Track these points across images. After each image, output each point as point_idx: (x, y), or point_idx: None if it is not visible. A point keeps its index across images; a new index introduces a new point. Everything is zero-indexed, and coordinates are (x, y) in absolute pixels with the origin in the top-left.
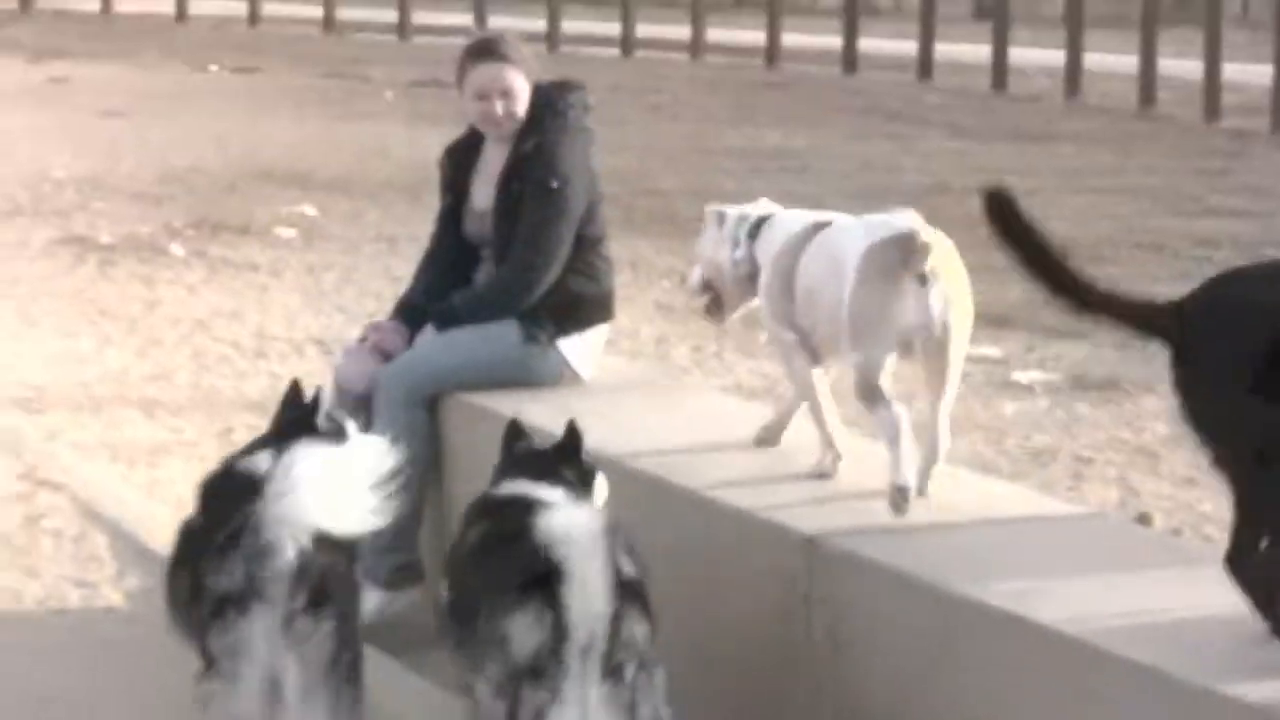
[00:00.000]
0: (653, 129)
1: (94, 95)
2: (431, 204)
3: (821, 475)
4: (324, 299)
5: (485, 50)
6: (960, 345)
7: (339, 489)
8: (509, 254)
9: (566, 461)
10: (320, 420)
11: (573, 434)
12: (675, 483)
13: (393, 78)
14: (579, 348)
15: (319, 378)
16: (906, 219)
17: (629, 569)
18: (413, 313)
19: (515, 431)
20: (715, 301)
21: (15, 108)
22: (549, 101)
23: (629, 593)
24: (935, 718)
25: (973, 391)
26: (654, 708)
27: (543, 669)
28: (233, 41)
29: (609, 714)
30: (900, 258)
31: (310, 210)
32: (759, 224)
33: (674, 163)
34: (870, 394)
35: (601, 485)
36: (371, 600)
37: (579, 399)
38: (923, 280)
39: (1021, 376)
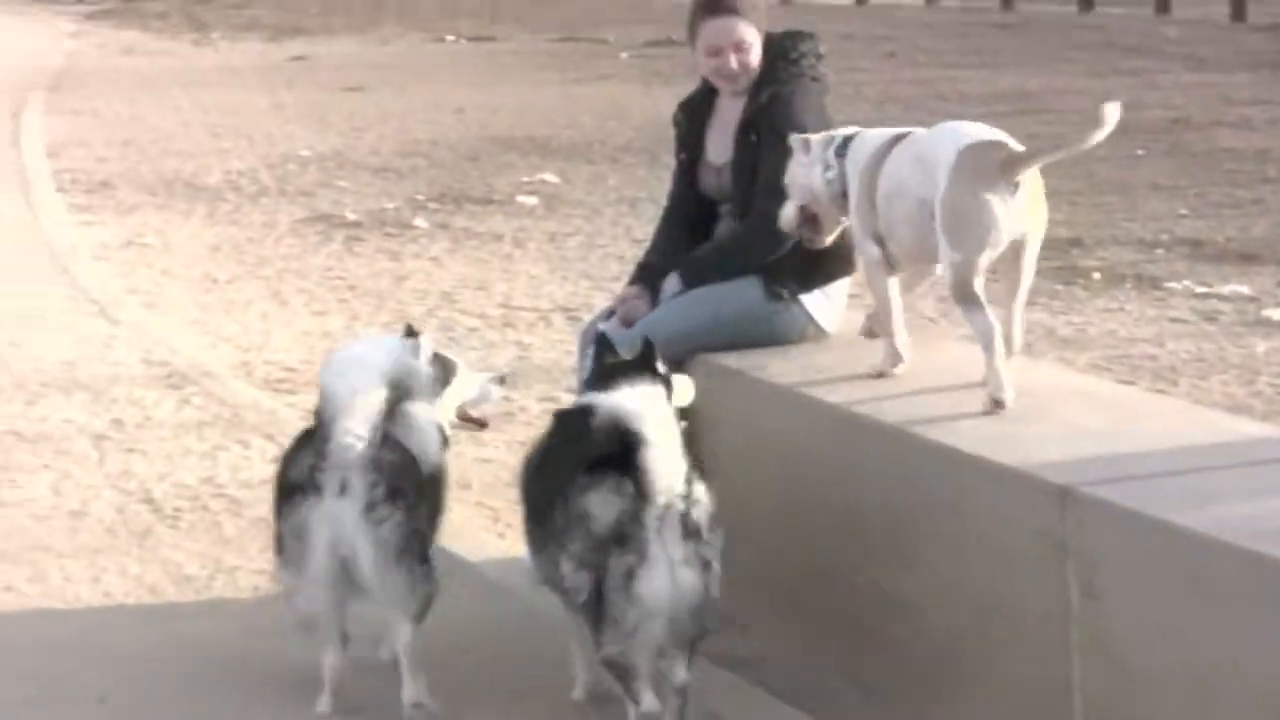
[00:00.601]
0: (888, 76)
1: (333, 72)
2: (670, 165)
3: (880, 375)
4: (568, 266)
5: (716, 5)
6: (1035, 251)
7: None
8: (749, 207)
9: (642, 372)
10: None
11: (647, 346)
12: (922, 436)
13: (627, 39)
14: (822, 302)
15: (568, 347)
16: (989, 128)
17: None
18: (653, 274)
19: (604, 345)
20: (812, 225)
21: (258, 88)
22: (782, 52)
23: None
24: (1189, 668)
25: (1223, 331)
26: (720, 565)
27: (626, 535)
28: (468, 9)
29: (691, 570)
30: (994, 162)
31: (551, 177)
32: (845, 143)
33: (911, 110)
34: (966, 297)
35: (684, 389)
36: None
37: (823, 353)
38: (1015, 186)
39: (1273, 314)
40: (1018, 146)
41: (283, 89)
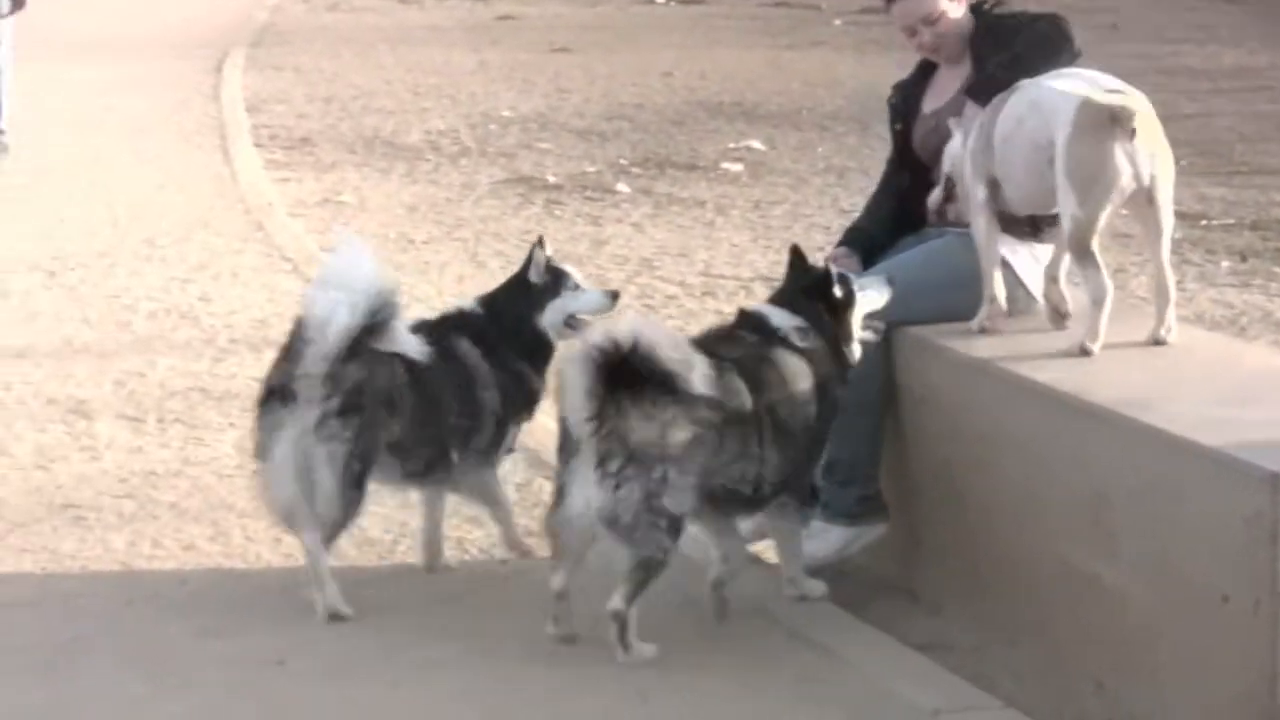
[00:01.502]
0: (1107, 49)
1: (540, 32)
2: (882, 134)
3: (981, 331)
4: (772, 235)
5: None
6: (1168, 194)
7: None
8: None
9: (809, 293)
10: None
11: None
12: (1132, 418)
13: (842, 4)
14: (1033, 267)
15: None
16: (1107, 77)
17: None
18: (863, 237)
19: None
20: (949, 191)
21: (464, 47)
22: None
23: (635, 400)
24: None
25: None
26: (643, 497)
27: (563, 453)
28: None
29: (598, 494)
30: (1112, 113)
31: (757, 144)
32: None
33: (1133, 84)
34: (1084, 253)
35: (868, 298)
36: (834, 537)
37: (1031, 328)
38: (1132, 134)
39: None
40: (1132, 93)
41: (488, 48)
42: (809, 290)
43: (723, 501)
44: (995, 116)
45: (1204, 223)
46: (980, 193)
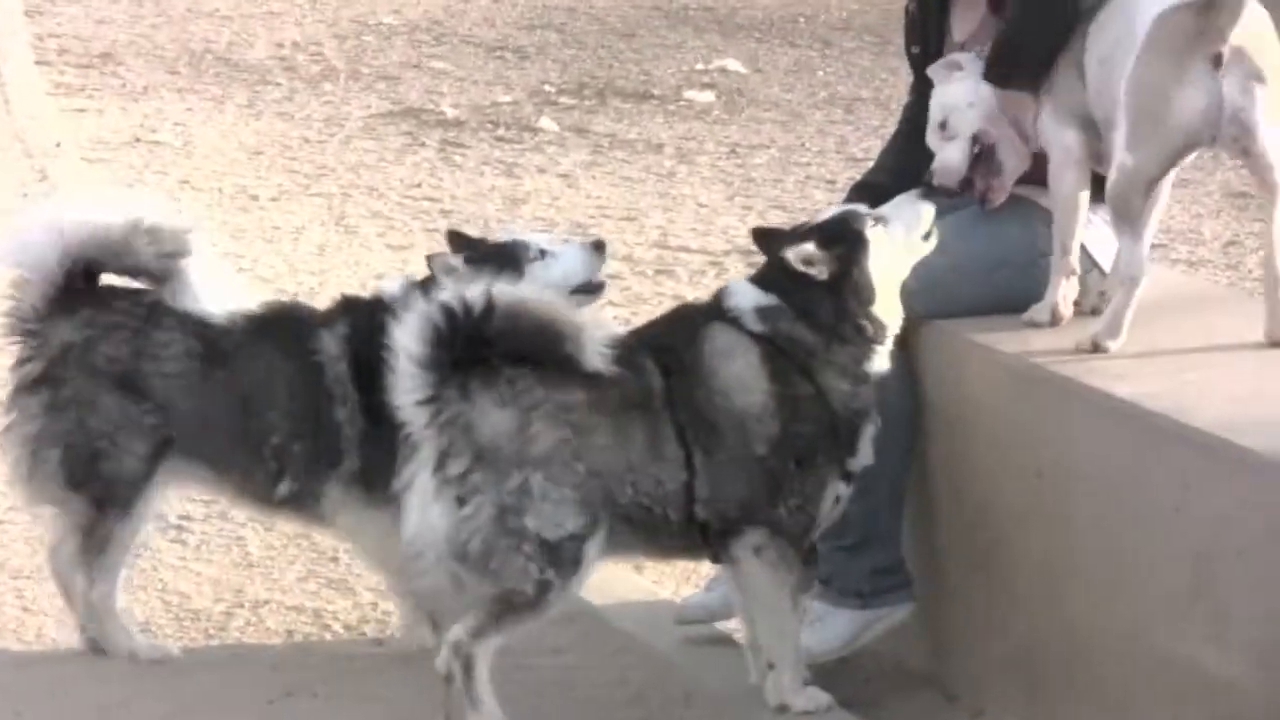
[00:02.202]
0: None
1: None
2: (903, 51)
3: (1044, 324)
4: (754, 191)
5: None
6: (1275, 141)
7: None
8: None
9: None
10: None
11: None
12: (1247, 448)
13: None
14: (1105, 236)
15: None
16: None
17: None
18: (876, 197)
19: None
20: (988, 164)
21: None
22: None
23: (488, 380)
24: None
25: None
26: (495, 514)
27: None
28: None
29: (438, 510)
30: (1196, 30)
31: (735, 64)
32: None
33: None
34: (1127, 213)
35: (895, 233)
36: (840, 625)
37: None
38: (1217, 62)
39: None
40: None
41: None
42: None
43: (643, 529)
44: (1081, 37)
45: None
46: (1069, 138)
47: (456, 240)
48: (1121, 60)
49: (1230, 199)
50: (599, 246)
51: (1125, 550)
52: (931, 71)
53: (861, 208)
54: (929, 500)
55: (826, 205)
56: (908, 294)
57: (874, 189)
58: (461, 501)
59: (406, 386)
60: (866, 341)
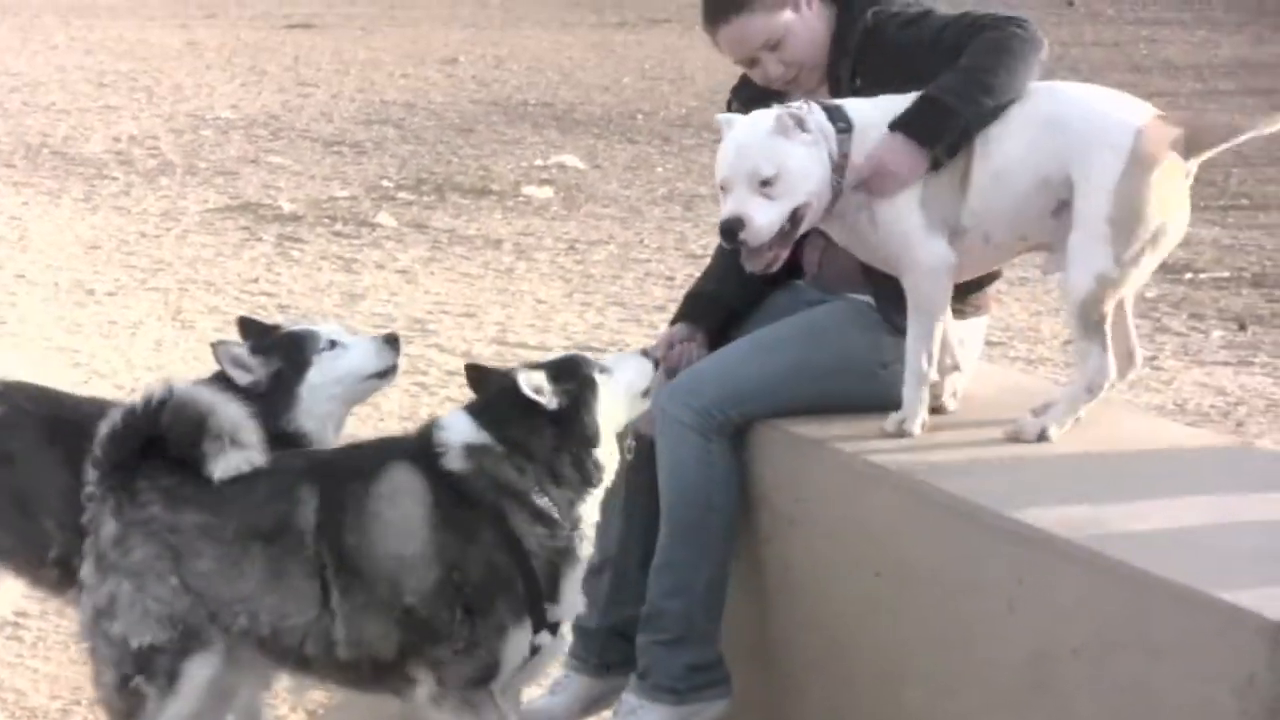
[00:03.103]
0: (1063, 34)
1: (272, 1)
2: None
3: (899, 433)
4: (593, 288)
5: (715, 10)
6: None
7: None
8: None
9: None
10: None
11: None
12: (1090, 548)
13: None
14: (955, 349)
15: None
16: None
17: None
18: (708, 308)
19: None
20: (786, 237)
21: (166, 21)
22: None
23: (111, 493)
24: None
25: None
26: (91, 615)
27: None
28: None
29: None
30: (1175, 144)
31: (574, 161)
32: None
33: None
34: (1095, 324)
35: (607, 385)
36: (656, 719)
37: (955, 421)
38: (1189, 175)
39: None
40: (1186, 120)
41: (200, 24)
42: (504, 396)
43: (288, 658)
44: (970, 144)
45: (1189, 276)
46: (939, 247)
47: (246, 327)
48: (1026, 174)
49: None
50: (391, 340)
51: (963, 647)
52: (768, 117)
53: (588, 355)
54: (767, 598)
55: (667, 305)
56: (749, 394)
57: (704, 297)
58: (82, 594)
59: (86, 478)
60: (582, 483)
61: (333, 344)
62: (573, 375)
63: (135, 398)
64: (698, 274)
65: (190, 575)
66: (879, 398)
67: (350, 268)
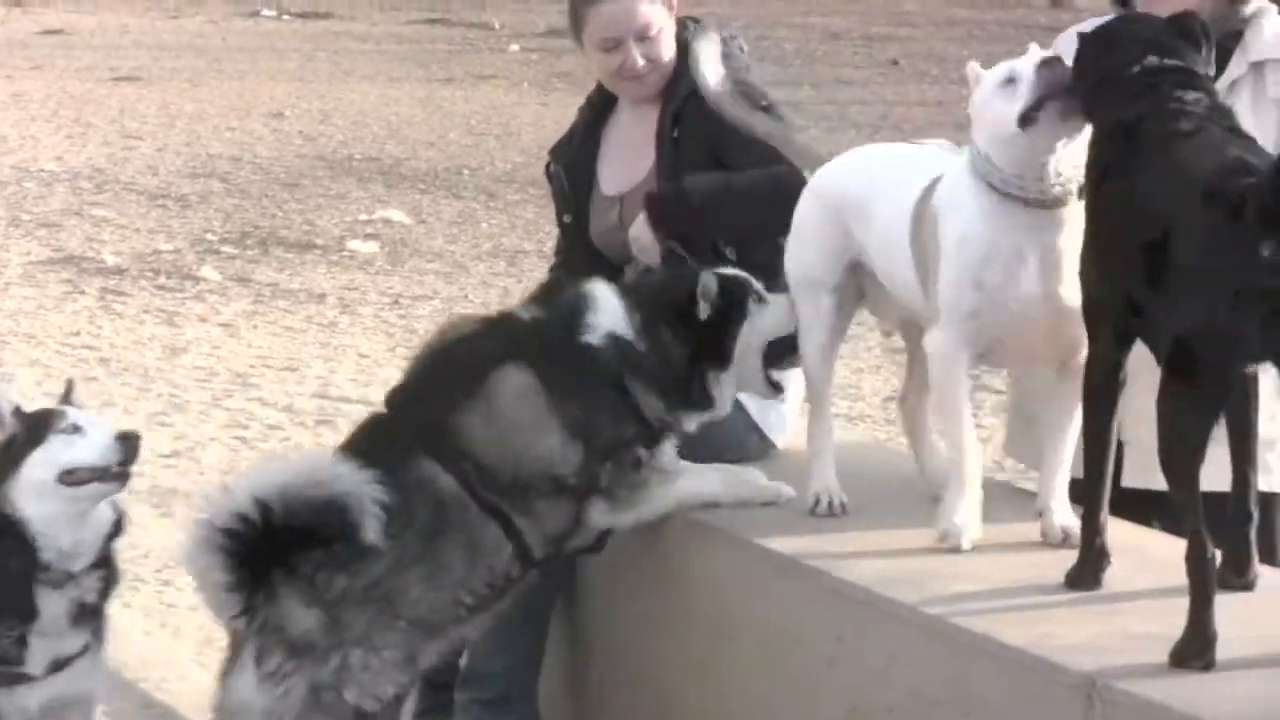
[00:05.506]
0: (888, 93)
1: (99, 53)
2: None
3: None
4: (417, 343)
5: None
6: None
7: None
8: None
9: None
10: None
11: None
12: (907, 605)
13: (519, 24)
14: (769, 404)
15: None
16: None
17: None
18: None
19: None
20: None
21: None
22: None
23: (290, 579)
24: None
25: None
26: (308, 693)
27: None
28: None
29: (259, 698)
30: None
31: (399, 215)
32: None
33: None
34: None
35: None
36: None
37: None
38: None
39: None
40: None
41: (24, 75)
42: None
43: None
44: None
45: None
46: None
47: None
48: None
49: (890, 354)
50: (128, 438)
51: (783, 703)
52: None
53: (754, 280)
54: (593, 654)
55: None
56: None
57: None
58: (282, 690)
59: (219, 608)
60: (692, 403)
61: (75, 428)
62: (733, 296)
63: (213, 513)
64: None
65: (409, 608)
66: (692, 455)
67: (173, 321)
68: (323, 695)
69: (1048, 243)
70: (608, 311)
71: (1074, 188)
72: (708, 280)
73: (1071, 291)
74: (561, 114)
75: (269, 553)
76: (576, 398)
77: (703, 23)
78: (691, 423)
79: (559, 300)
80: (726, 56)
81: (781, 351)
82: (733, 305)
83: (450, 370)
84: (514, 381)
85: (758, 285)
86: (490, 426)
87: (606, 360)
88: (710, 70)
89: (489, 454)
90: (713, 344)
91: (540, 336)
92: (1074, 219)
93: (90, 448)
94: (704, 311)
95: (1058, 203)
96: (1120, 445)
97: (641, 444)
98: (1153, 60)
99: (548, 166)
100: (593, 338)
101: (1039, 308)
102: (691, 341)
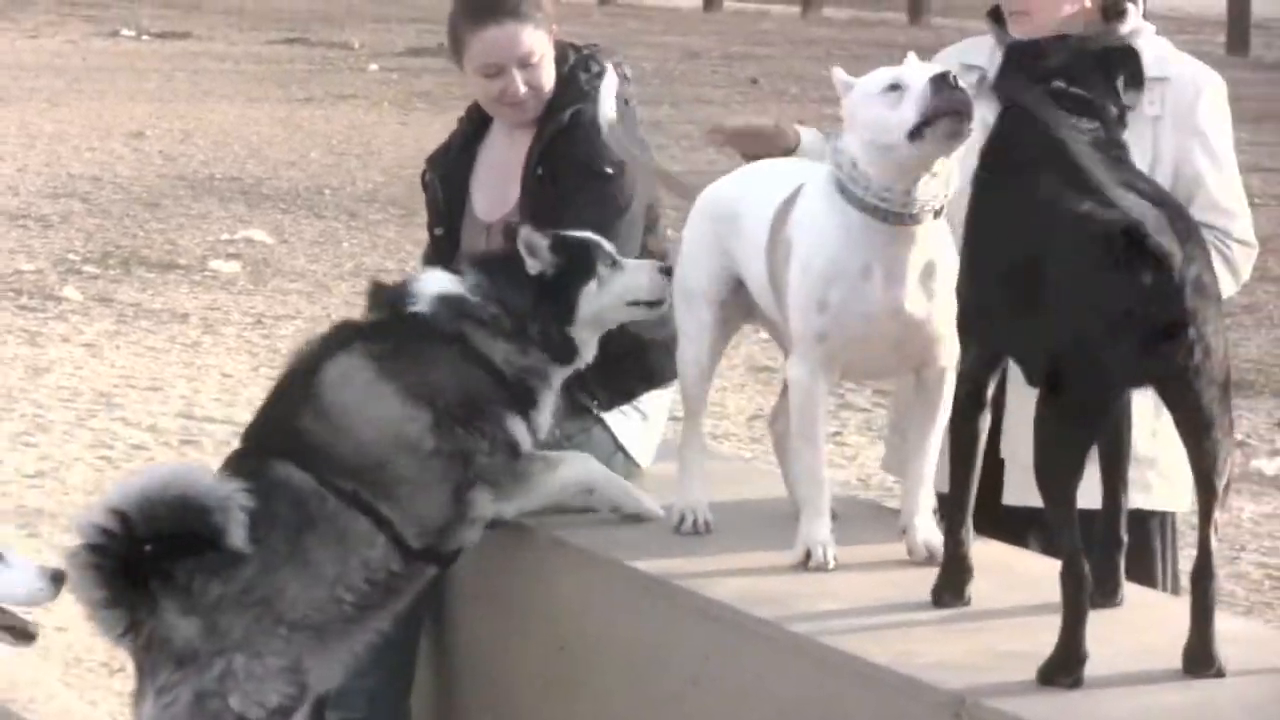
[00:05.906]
0: (747, 112)
1: None
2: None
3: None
4: (280, 362)
5: (488, 7)
6: None
7: None
8: None
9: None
10: None
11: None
12: (774, 623)
13: (379, 43)
14: (635, 424)
15: None
16: None
17: None
18: None
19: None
20: None
21: None
22: (583, 64)
23: (167, 588)
24: None
25: None
26: (192, 700)
27: None
28: None
29: (152, 712)
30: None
31: (261, 235)
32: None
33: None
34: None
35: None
36: None
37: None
38: None
39: (1266, 466)
40: None
41: None
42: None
43: (380, 599)
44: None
45: None
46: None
47: None
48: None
49: (754, 373)
50: None
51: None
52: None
53: (610, 248)
54: (456, 677)
55: None
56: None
57: None
58: (168, 702)
59: (103, 627)
60: (544, 353)
61: None
62: (575, 253)
63: (84, 523)
64: None
65: (289, 609)
66: None
67: (35, 341)
68: (208, 703)
69: (898, 257)
70: (432, 281)
71: (933, 207)
72: (528, 235)
73: (917, 305)
74: (422, 133)
75: (141, 564)
76: (409, 360)
77: (595, 54)
78: (557, 375)
79: (384, 290)
80: (620, 97)
81: (657, 369)
82: (573, 261)
83: (289, 382)
84: (340, 368)
85: (609, 248)
86: (325, 416)
87: (439, 319)
88: (609, 108)
89: (334, 443)
90: (555, 296)
91: (369, 324)
92: (926, 236)
93: None
94: (533, 267)
95: (914, 220)
96: (1000, 462)
97: (504, 404)
98: (1059, 85)
99: (424, 175)
100: (420, 306)
101: (884, 323)
102: (531, 294)
